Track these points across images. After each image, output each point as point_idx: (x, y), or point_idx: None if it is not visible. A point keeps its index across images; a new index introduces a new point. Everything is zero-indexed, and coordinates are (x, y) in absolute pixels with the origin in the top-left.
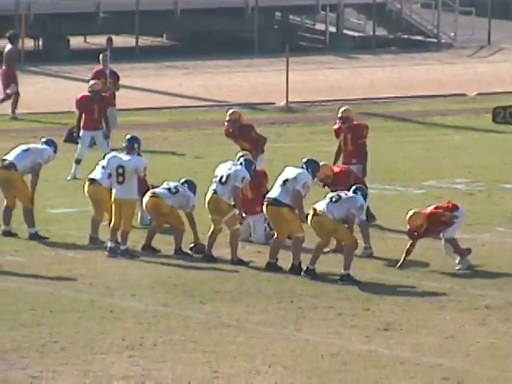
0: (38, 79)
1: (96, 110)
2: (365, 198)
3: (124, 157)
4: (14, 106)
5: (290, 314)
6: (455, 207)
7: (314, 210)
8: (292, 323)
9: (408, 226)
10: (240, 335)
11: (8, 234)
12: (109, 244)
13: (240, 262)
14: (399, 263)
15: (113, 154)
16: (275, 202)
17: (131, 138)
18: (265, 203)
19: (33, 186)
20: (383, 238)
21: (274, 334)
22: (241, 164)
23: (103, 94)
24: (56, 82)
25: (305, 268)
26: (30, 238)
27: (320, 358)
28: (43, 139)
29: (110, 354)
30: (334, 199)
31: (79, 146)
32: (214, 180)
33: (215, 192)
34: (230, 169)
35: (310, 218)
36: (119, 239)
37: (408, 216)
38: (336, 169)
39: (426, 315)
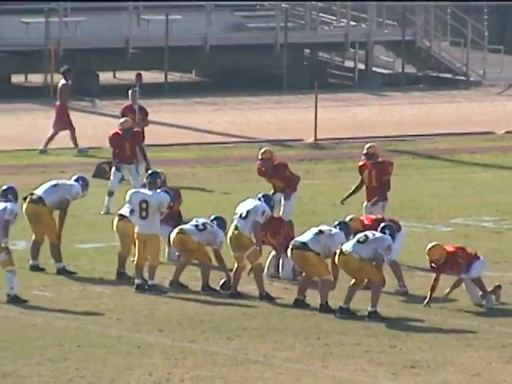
0: None
1: (128, 146)
2: (393, 236)
3: (147, 192)
4: (49, 140)
5: (317, 350)
6: (476, 257)
7: (341, 250)
8: (319, 360)
9: (427, 258)
10: (267, 371)
11: (36, 268)
12: (136, 281)
13: (268, 297)
14: (426, 301)
15: (135, 189)
16: (302, 245)
17: (153, 173)
18: (290, 246)
19: (60, 222)
20: (411, 275)
21: (301, 370)
22: (259, 199)
23: (135, 129)
24: (85, 118)
25: (338, 307)
26: (57, 272)
27: None
28: (74, 176)
29: None
30: (361, 240)
31: (111, 178)
32: (234, 217)
33: (236, 228)
34: (250, 204)
35: (336, 257)
36: (145, 275)
37: (427, 248)
38: (366, 221)
39: (452, 353)
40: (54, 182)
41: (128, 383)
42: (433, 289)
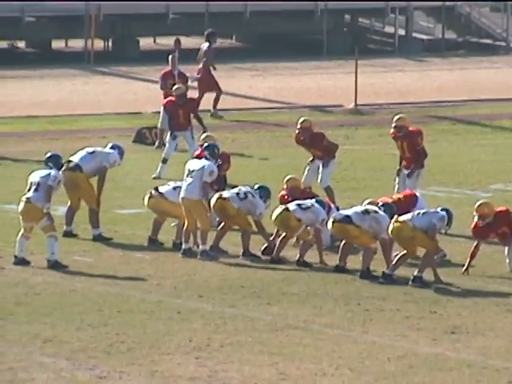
0: (107, 80)
1: (181, 114)
2: (450, 218)
3: (199, 160)
4: (216, 102)
5: (357, 316)
6: None
7: (396, 219)
8: (359, 325)
9: (475, 214)
10: (307, 337)
11: (69, 234)
12: (183, 246)
13: (305, 264)
14: (464, 268)
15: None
16: (344, 219)
17: (208, 145)
18: (331, 219)
19: (99, 189)
20: (451, 241)
21: (341, 336)
22: (316, 201)
23: (189, 98)
24: (125, 83)
25: (382, 272)
26: (93, 239)
27: (386, 360)
28: (109, 144)
29: (177, 355)
30: (417, 213)
31: (167, 145)
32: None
33: (287, 209)
34: (313, 204)
35: (390, 226)
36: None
37: (477, 204)
38: (400, 196)
39: (493, 318)
40: (90, 150)
41: (168, 348)
42: (472, 256)
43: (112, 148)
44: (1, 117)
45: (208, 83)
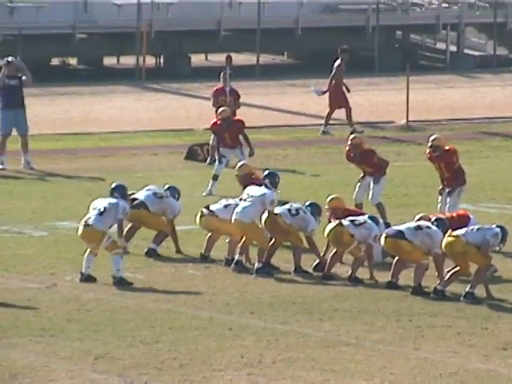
0: (158, 96)
1: (228, 136)
2: (504, 235)
3: (259, 187)
4: (349, 119)
5: (409, 332)
6: None
7: (450, 234)
8: (410, 342)
9: None
10: (358, 353)
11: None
12: (236, 257)
13: (357, 280)
14: None
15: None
16: (398, 234)
17: (269, 173)
18: (384, 234)
19: (175, 240)
20: (502, 258)
21: (393, 352)
22: (369, 218)
23: (234, 118)
24: (177, 100)
25: (433, 288)
26: (147, 252)
27: (438, 376)
28: (166, 185)
29: (229, 372)
30: (471, 228)
31: (217, 162)
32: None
33: (341, 224)
34: (367, 220)
35: (444, 240)
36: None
37: None
38: (453, 214)
39: None
40: (158, 194)
41: (220, 365)
42: None
43: (171, 192)
44: (52, 133)
45: (339, 99)
